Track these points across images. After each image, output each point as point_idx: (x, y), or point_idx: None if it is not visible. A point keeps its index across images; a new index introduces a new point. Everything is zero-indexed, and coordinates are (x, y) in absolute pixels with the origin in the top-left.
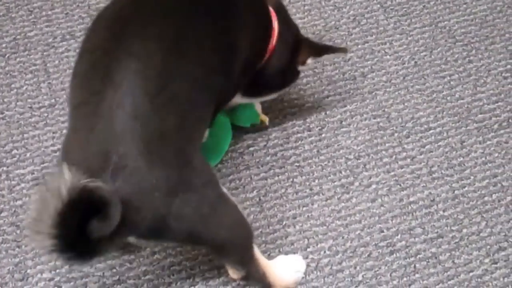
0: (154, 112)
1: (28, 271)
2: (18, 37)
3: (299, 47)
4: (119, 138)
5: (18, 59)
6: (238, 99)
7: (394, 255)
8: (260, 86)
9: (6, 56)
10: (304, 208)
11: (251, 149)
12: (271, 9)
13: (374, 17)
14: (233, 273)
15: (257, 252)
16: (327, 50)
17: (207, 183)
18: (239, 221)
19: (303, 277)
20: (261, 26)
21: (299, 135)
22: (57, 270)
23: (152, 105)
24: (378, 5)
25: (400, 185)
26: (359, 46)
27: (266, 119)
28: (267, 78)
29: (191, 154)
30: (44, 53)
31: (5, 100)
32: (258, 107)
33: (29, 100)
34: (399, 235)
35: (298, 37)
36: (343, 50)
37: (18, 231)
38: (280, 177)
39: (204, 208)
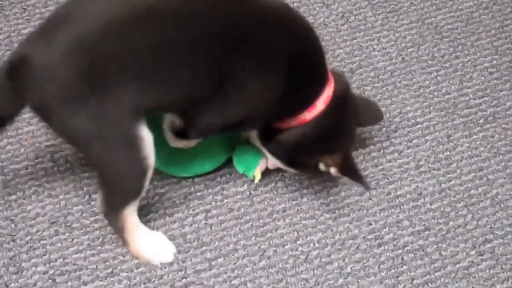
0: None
1: (23, 264)
2: (12, 34)
3: (335, 150)
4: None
5: None
6: (255, 141)
7: (382, 247)
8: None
9: (1, 53)
10: (294, 202)
11: None
12: (331, 81)
13: (362, 14)
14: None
15: (130, 213)
16: (354, 175)
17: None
18: (123, 171)
19: (292, 269)
20: (295, 92)
21: None
22: (51, 263)
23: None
24: (366, 2)
25: (388, 179)
26: (348, 43)
27: (258, 177)
28: (279, 144)
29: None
30: None
31: None
32: (264, 163)
33: None
34: (387, 228)
35: (342, 140)
36: (366, 187)
37: (12, 225)
38: (270, 171)
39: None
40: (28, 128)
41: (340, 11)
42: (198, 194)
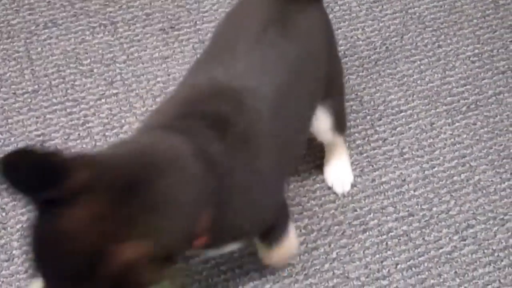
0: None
1: (14, 252)
2: (1, 25)
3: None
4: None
5: (1, 46)
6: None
7: (367, 233)
8: None
9: None
10: None
11: None
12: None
13: (347, 4)
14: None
15: None
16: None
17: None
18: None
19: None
20: None
21: None
22: None
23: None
24: None
25: (372, 166)
26: None
27: None
28: None
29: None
30: (27, 41)
31: None
32: None
33: (13, 86)
34: (372, 214)
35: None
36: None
37: (3, 214)
38: None
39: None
40: (18, 117)
41: (325, 1)
42: None
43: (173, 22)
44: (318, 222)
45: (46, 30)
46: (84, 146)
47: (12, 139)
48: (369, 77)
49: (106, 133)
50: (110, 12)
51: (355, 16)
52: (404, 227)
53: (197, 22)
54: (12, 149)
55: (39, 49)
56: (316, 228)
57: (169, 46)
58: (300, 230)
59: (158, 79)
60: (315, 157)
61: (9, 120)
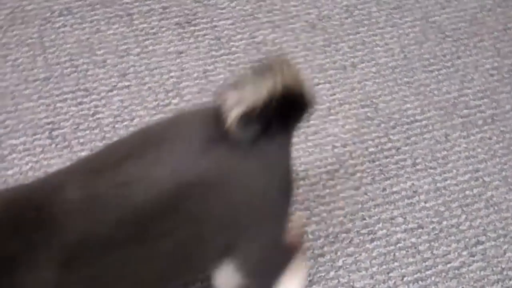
0: None
1: None
2: (16, 10)
3: None
4: None
5: (15, 32)
6: None
7: (375, 243)
8: None
9: (3, 29)
10: None
11: None
12: None
13: (367, 9)
14: None
15: None
16: None
17: None
18: None
19: None
20: None
21: None
22: None
23: None
24: None
25: (384, 175)
26: (351, 37)
27: None
28: None
29: None
30: (41, 27)
31: (1, 71)
32: None
33: (24, 73)
34: (381, 224)
35: None
36: None
37: None
38: None
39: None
40: (28, 104)
41: (345, 4)
42: None
43: (190, 17)
44: (326, 228)
45: (61, 18)
46: (93, 137)
47: (21, 125)
48: (385, 84)
49: (116, 126)
50: (127, 3)
51: (375, 21)
52: (413, 239)
53: (214, 19)
54: (20, 135)
55: (53, 36)
56: (323, 235)
57: (184, 41)
58: (307, 236)
59: (172, 73)
60: (326, 162)
61: (19, 107)
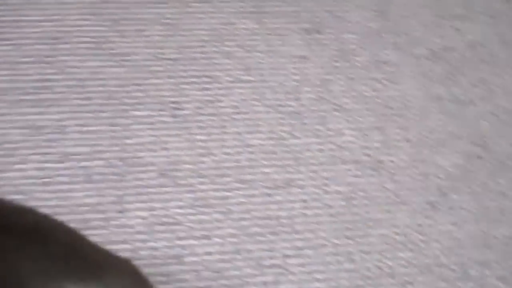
0: None
1: (126, 206)
2: None
3: None
4: None
5: (155, 10)
6: None
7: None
8: None
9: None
10: (389, 215)
11: None
12: None
13: (490, 46)
14: None
15: None
16: None
17: None
18: None
19: (374, 279)
20: None
21: (399, 144)
22: (152, 212)
23: None
24: (497, 37)
25: (486, 217)
26: (471, 72)
27: None
28: None
29: None
30: (179, 10)
31: (136, 45)
32: None
33: (156, 50)
34: (474, 265)
35: None
36: None
37: (124, 167)
38: (371, 178)
39: None
40: (155, 81)
41: (470, 39)
42: (300, 183)
43: (318, 24)
44: (418, 257)
45: (198, 4)
46: (211, 123)
47: (147, 99)
48: (500, 126)
49: (234, 116)
50: (260, 0)
51: (497, 60)
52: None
53: (341, 31)
54: (144, 108)
55: (188, 20)
56: (416, 263)
57: (309, 47)
58: (402, 261)
59: (293, 76)
60: (430, 192)
61: (146, 81)
